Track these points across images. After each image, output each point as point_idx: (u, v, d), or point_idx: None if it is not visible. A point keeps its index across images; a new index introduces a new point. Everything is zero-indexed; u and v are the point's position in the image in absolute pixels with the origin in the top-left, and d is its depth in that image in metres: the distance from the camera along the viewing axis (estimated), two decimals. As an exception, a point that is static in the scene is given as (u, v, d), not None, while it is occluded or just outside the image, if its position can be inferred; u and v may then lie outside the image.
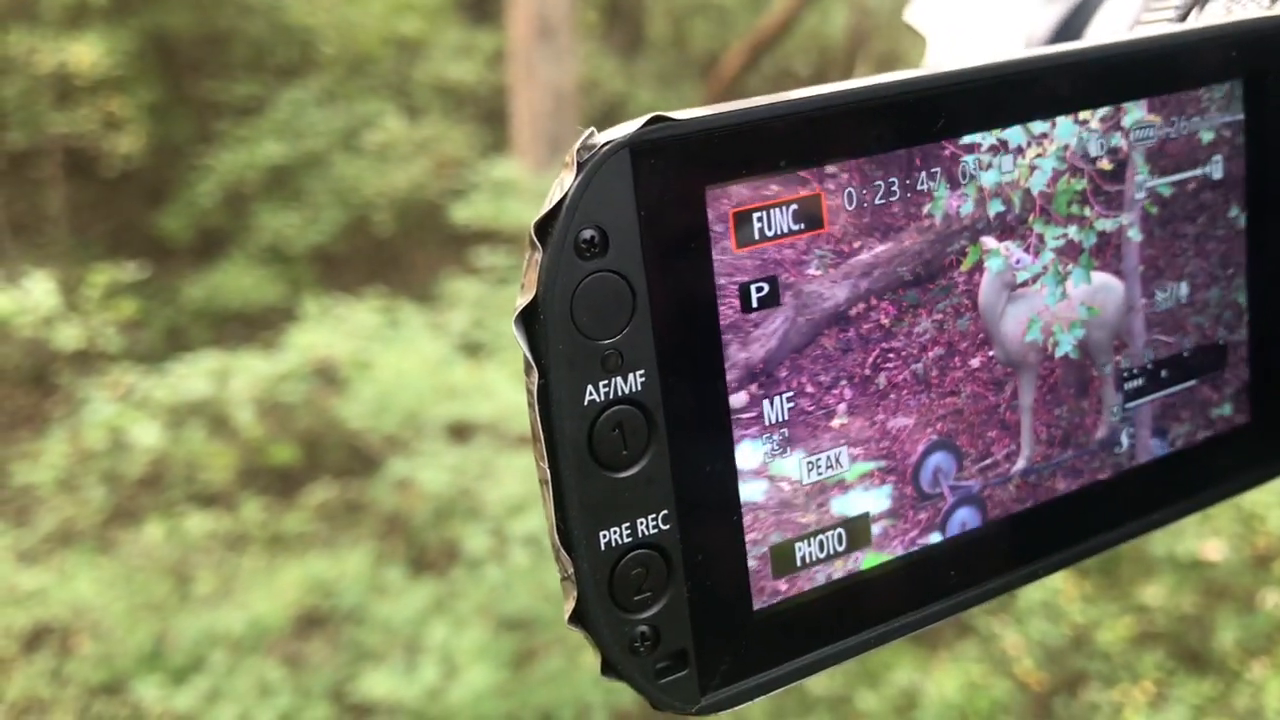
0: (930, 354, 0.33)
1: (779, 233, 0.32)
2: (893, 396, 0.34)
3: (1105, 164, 0.35)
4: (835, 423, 0.34)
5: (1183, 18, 0.43)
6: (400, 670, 2.06)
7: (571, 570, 0.31)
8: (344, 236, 4.59)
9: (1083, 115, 0.35)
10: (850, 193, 0.33)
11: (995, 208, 0.33)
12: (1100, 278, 0.34)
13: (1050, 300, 0.34)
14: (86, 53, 4.10)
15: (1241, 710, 2.06)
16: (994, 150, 0.34)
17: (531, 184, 3.36)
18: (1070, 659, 2.24)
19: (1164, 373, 0.39)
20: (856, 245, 0.33)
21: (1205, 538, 2.22)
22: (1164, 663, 2.19)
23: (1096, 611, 2.26)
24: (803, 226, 0.32)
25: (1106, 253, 0.35)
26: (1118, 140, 0.35)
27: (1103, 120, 0.35)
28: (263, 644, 2.27)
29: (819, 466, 0.34)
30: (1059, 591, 2.23)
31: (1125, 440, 0.38)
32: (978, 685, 2.11)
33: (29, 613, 2.45)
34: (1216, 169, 0.39)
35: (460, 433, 2.58)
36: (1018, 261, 0.34)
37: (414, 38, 5.24)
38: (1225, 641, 2.17)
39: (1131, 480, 0.39)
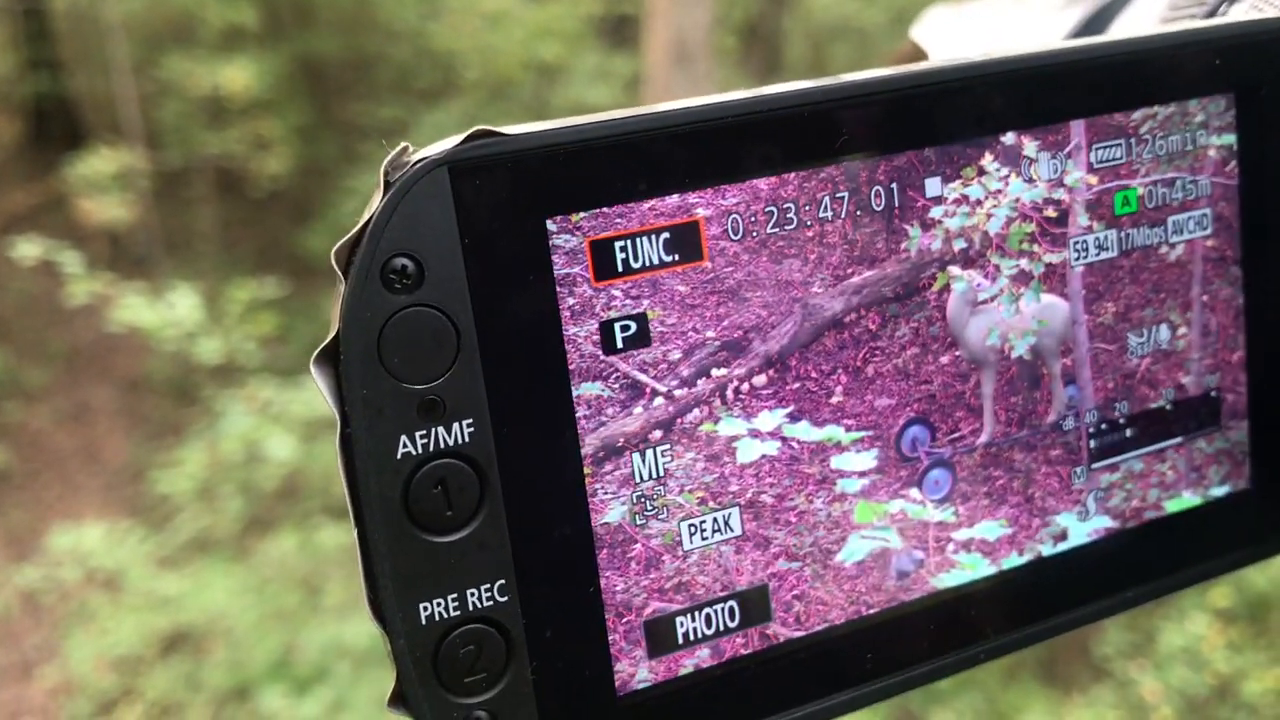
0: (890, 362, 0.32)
1: (647, 264, 0.28)
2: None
3: (1051, 211, 0.33)
4: (730, 479, 0.30)
5: None
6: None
7: (390, 646, 0.27)
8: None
9: (1030, 173, 0.32)
10: (736, 219, 0.29)
11: (959, 244, 0.32)
12: (1048, 298, 0.34)
13: (1006, 314, 0.34)
14: (239, 76, 4.25)
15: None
16: (958, 202, 0.32)
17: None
18: (1213, 710, 2.13)
19: (1141, 429, 0.35)
20: (740, 276, 0.29)
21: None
22: (1317, 718, 2.07)
23: (1243, 660, 2.15)
24: (676, 258, 0.28)
25: (1052, 280, 0.34)
26: (1060, 194, 0.33)
27: (1049, 182, 0.32)
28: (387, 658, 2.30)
29: (703, 530, 0.30)
30: (1201, 638, 2.12)
31: (1092, 505, 0.35)
32: (1113, 733, 2.02)
33: (168, 617, 2.53)
34: (1201, 198, 0.34)
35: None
36: (978, 285, 0.33)
37: (553, 63, 5.31)
38: (1385, 698, 2.04)
39: (1099, 554, 0.35)
